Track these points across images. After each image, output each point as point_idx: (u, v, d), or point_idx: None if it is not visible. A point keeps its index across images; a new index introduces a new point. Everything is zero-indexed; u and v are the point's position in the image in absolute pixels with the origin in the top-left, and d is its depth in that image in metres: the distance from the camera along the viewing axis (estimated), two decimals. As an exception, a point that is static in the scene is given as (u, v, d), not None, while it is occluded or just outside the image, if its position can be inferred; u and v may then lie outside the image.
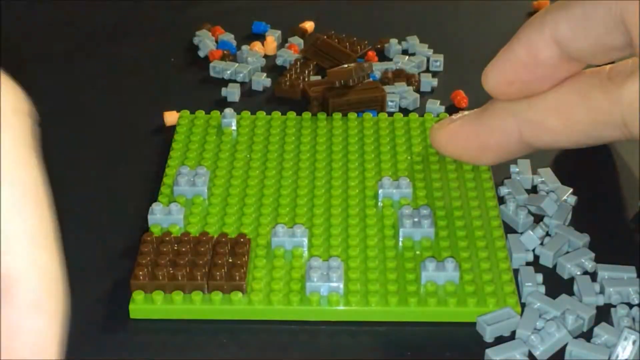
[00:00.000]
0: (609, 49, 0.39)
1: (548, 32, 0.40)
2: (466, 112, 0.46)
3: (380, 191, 0.45)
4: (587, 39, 0.39)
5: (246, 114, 0.52)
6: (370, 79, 0.54)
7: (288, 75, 0.56)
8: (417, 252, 0.42)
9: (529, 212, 0.45)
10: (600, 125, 0.40)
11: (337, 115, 0.51)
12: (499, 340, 0.39)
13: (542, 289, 0.41)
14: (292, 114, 0.51)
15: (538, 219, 0.45)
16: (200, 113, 0.52)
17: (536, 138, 0.43)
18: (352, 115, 0.51)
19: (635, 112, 0.38)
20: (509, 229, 0.44)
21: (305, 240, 0.42)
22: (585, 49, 0.39)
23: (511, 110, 0.43)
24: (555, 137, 0.42)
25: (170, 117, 0.52)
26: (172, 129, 0.51)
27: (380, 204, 0.45)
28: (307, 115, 0.52)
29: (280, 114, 0.52)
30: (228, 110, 0.51)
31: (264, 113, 0.52)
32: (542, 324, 0.39)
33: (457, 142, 0.45)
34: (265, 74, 0.57)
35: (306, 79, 0.55)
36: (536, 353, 0.38)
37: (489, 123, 0.44)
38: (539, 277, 0.41)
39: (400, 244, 0.43)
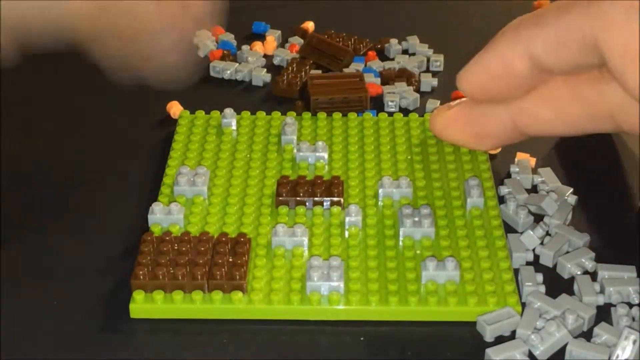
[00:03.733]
0: (583, 67, 0.39)
1: (522, 49, 0.40)
2: (465, 99, 0.46)
3: (380, 190, 0.45)
4: (561, 59, 0.39)
5: (246, 113, 0.52)
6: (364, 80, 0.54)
7: (285, 74, 0.56)
8: (418, 252, 0.42)
9: (529, 211, 0.45)
10: (591, 118, 0.41)
11: (337, 115, 0.51)
12: (499, 339, 0.39)
13: (542, 288, 0.41)
14: (292, 114, 0.51)
15: (538, 218, 0.45)
16: (200, 113, 0.52)
17: (530, 128, 0.43)
18: (352, 115, 0.51)
19: (622, 106, 0.39)
20: (509, 229, 0.44)
21: (306, 240, 0.42)
22: (559, 66, 0.40)
23: (505, 100, 0.43)
24: (548, 127, 0.43)
25: (175, 107, 0.53)
26: (173, 128, 0.51)
27: (380, 203, 0.45)
28: (307, 115, 0.52)
29: (280, 113, 0.52)
30: (228, 110, 0.51)
31: (264, 113, 0.52)
32: (542, 324, 0.39)
33: (455, 128, 0.45)
34: (265, 70, 0.57)
35: (303, 79, 0.55)
36: (536, 352, 0.38)
37: (484, 112, 0.44)
38: (539, 277, 0.41)
39: (401, 243, 0.43)
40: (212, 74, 0.57)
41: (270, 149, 0.49)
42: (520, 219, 0.44)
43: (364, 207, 0.45)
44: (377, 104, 0.54)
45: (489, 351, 0.38)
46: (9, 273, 0.42)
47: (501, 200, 0.46)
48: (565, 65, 0.39)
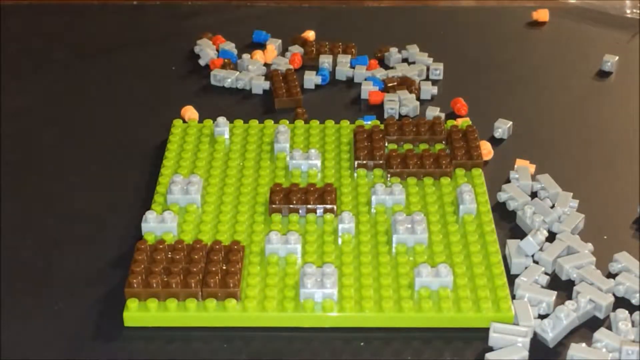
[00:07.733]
0: None
1: None
2: None
3: (373, 197, 0.45)
4: None
5: (239, 122, 0.52)
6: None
7: (283, 85, 0.56)
8: (411, 258, 0.42)
9: (544, 220, 0.45)
10: None
11: (330, 123, 0.51)
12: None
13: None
14: (284, 122, 0.51)
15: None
16: (193, 122, 0.52)
17: None
18: (345, 123, 0.52)
19: None
20: (523, 236, 0.44)
21: (299, 247, 0.42)
22: None
23: None
24: None
25: (190, 112, 0.53)
26: (166, 137, 0.51)
27: (373, 210, 0.45)
28: (299, 123, 0.52)
29: (272, 121, 0.52)
30: (221, 119, 0.51)
31: (257, 121, 0.52)
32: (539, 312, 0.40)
33: None
34: (264, 77, 0.57)
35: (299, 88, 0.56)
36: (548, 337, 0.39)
37: None
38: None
39: (394, 249, 0.43)
40: (212, 82, 0.57)
41: (263, 157, 0.49)
42: (536, 226, 0.44)
43: (357, 214, 0.45)
44: (378, 110, 0.54)
45: (488, 356, 0.38)
46: (5, 280, 0.42)
47: (502, 205, 0.46)
48: None
